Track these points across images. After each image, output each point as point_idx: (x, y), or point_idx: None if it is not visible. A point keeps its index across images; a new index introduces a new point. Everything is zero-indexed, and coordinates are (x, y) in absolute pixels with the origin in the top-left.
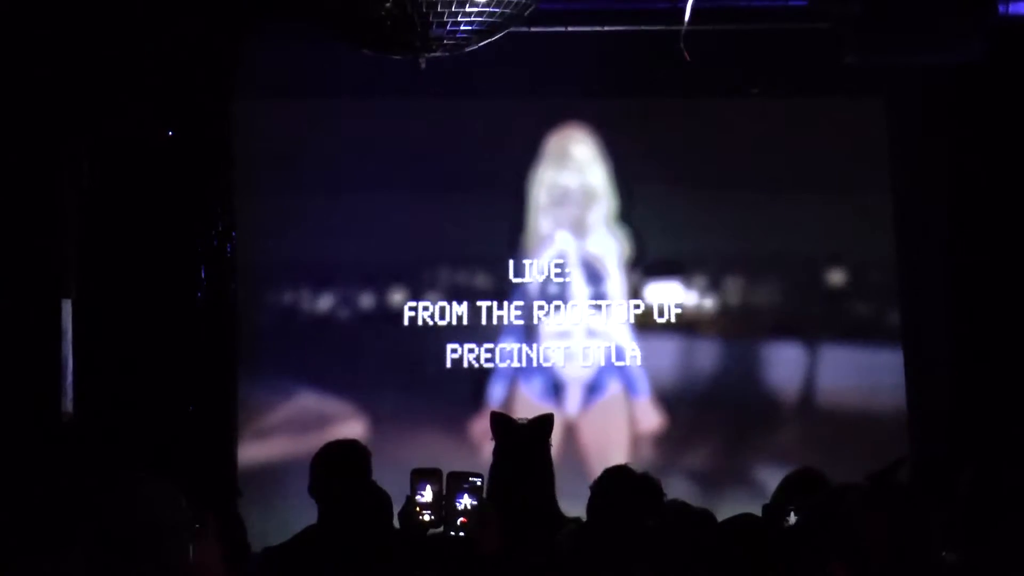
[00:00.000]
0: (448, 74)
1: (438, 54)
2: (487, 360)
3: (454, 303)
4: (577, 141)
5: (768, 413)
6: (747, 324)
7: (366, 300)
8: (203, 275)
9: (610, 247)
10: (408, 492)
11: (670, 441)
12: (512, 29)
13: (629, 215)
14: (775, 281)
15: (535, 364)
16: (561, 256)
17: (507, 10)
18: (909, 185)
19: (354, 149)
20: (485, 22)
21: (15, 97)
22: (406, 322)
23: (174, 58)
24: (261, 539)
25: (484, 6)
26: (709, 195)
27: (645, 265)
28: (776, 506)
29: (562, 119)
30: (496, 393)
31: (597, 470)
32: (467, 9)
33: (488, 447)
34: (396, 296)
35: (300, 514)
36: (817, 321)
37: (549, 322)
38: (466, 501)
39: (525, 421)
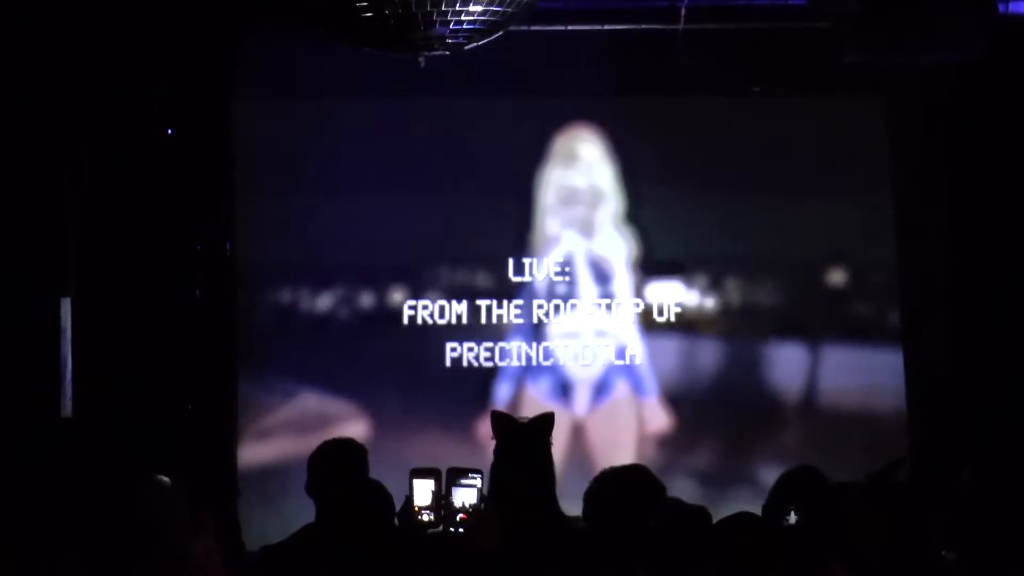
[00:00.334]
0: (448, 74)
1: (438, 53)
2: (487, 359)
3: (453, 302)
4: (584, 141)
5: (768, 413)
6: (748, 324)
7: (366, 300)
8: (203, 274)
9: (618, 247)
10: (407, 492)
11: (675, 441)
12: (511, 29)
13: (636, 215)
14: (775, 281)
15: (541, 364)
16: (568, 256)
17: (508, 9)
18: (909, 185)
19: (356, 149)
20: (485, 21)
21: (15, 97)
22: (406, 321)
23: (174, 57)
24: (261, 539)
25: (485, 6)
26: (709, 195)
27: (650, 265)
28: (775, 505)
29: (569, 119)
30: (503, 393)
31: None
32: (470, 8)
33: (491, 447)
34: (396, 296)
35: (300, 514)
36: (817, 321)
37: (557, 322)
38: (465, 497)
39: (526, 420)
